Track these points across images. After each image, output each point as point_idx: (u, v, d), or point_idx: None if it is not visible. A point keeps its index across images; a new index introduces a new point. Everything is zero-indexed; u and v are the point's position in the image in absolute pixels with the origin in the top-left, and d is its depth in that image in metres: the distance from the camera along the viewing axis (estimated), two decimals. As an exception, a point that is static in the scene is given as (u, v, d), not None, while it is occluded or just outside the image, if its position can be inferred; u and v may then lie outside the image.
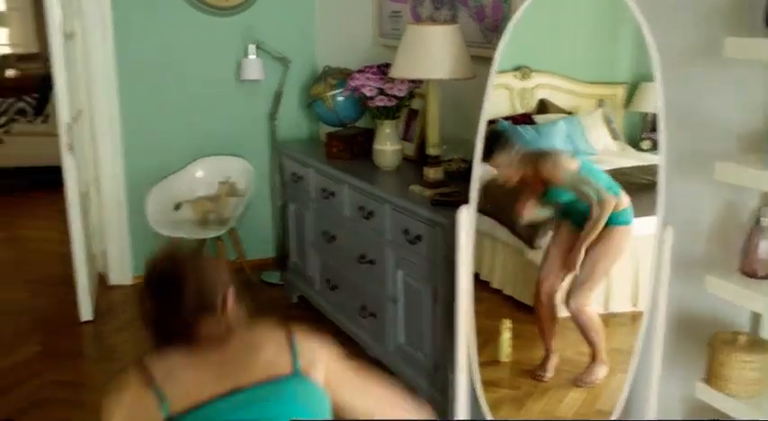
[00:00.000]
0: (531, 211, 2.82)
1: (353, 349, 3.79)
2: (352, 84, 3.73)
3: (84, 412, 3.42)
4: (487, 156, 2.72)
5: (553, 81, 3.07)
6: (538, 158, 2.84)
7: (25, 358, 3.98)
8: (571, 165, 2.79)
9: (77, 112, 4.51)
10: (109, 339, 4.23)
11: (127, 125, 4.75)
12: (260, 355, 1.73)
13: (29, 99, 8.18)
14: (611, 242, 2.72)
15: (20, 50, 10.88)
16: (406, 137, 3.92)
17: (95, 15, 4.61)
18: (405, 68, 3.24)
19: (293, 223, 4.47)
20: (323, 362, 1.77)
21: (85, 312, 4.38)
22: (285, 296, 4.65)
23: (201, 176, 4.85)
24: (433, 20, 3.81)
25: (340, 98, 4.23)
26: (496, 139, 2.78)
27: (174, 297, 1.67)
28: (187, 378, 1.68)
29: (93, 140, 4.80)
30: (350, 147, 4.01)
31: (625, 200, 2.66)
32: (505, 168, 2.83)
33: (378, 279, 3.54)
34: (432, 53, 3.15)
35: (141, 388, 1.65)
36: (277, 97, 4.85)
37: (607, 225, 2.69)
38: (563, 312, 2.87)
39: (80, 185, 4.39)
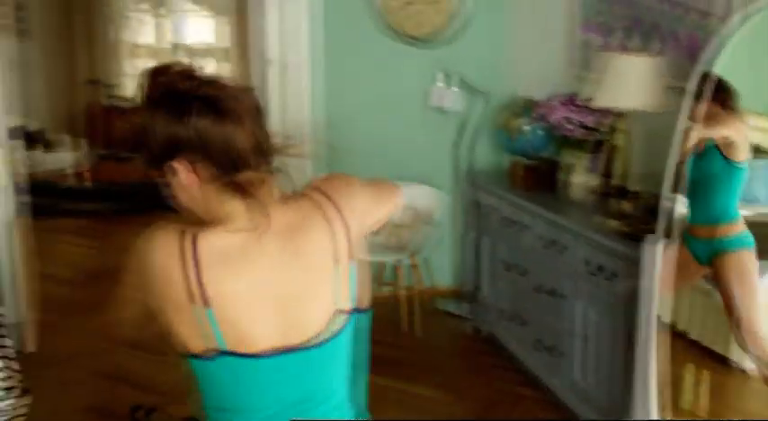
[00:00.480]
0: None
1: (534, 386, 3.76)
2: (544, 114, 3.70)
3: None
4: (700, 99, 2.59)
5: (759, 122, 2.93)
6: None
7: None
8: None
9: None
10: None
11: (322, 149, 4.92)
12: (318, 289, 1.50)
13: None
14: (732, 266, 2.57)
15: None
16: (597, 169, 3.83)
17: (306, 47, 4.83)
18: (601, 98, 3.19)
19: (478, 253, 4.46)
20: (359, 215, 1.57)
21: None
22: (465, 327, 4.63)
23: (389, 202, 4.93)
24: (632, 50, 3.71)
25: (530, 128, 4.20)
26: (719, 89, 2.62)
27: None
28: (245, 317, 1.43)
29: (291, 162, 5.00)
30: (537, 177, 3.98)
31: (741, 225, 2.60)
32: (709, 127, 2.67)
33: (561, 313, 3.47)
34: (630, 83, 3.08)
35: (192, 305, 1.40)
36: (467, 127, 4.88)
37: (725, 250, 2.55)
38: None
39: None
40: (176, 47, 11.50)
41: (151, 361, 4.25)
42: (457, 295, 4.97)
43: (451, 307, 4.88)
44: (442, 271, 5.14)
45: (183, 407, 3.65)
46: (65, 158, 9.13)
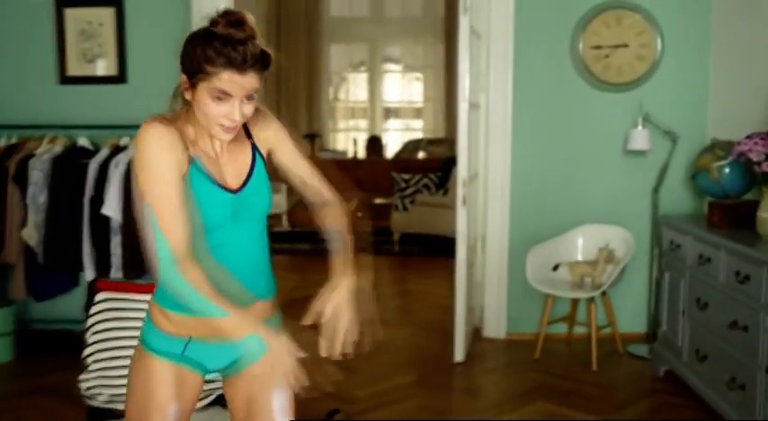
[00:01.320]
0: None
1: None
2: (739, 149, 3.69)
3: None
4: None
5: None
6: None
7: (401, 384, 4.41)
8: None
9: (474, 174, 4.97)
10: (476, 379, 4.53)
11: (516, 188, 5.13)
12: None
13: (433, 176, 9.08)
14: None
15: (429, 136, 12.14)
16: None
17: (499, 89, 5.10)
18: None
19: (667, 292, 4.44)
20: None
21: (458, 355, 4.73)
22: (651, 369, 4.58)
23: (581, 243, 5.02)
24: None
25: (726, 169, 4.17)
26: None
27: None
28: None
29: (484, 201, 5.23)
30: (732, 216, 3.94)
31: None
32: None
33: (749, 347, 3.41)
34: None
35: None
36: (662, 170, 4.90)
37: None
38: None
39: (469, 239, 4.80)
40: (387, 107, 12.25)
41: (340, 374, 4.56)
42: (648, 339, 4.93)
43: (642, 351, 4.85)
44: (634, 313, 5.13)
45: (369, 417, 3.93)
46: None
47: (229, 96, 1.85)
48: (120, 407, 2.49)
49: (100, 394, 2.82)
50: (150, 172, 1.86)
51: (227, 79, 1.82)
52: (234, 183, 2.00)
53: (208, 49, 1.82)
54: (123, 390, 2.10)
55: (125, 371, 2.13)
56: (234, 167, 2.02)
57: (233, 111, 1.87)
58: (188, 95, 1.91)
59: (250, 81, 1.85)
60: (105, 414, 2.85)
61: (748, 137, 3.70)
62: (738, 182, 4.15)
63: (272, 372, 1.88)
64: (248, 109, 1.90)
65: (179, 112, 1.97)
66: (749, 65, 4.54)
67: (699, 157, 4.43)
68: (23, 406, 4.03)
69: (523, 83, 5.08)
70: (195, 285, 1.84)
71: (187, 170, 1.91)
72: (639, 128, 4.83)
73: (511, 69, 5.09)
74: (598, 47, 5.01)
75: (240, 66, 1.82)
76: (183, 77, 1.90)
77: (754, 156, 3.59)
